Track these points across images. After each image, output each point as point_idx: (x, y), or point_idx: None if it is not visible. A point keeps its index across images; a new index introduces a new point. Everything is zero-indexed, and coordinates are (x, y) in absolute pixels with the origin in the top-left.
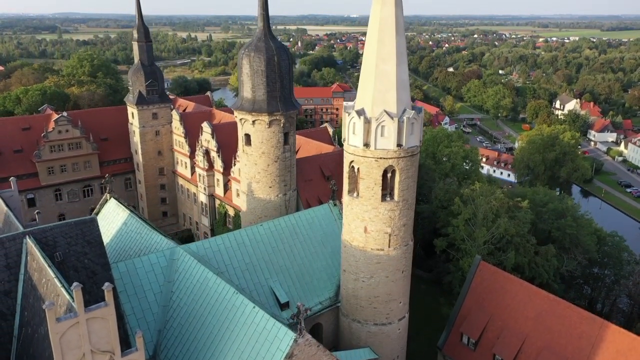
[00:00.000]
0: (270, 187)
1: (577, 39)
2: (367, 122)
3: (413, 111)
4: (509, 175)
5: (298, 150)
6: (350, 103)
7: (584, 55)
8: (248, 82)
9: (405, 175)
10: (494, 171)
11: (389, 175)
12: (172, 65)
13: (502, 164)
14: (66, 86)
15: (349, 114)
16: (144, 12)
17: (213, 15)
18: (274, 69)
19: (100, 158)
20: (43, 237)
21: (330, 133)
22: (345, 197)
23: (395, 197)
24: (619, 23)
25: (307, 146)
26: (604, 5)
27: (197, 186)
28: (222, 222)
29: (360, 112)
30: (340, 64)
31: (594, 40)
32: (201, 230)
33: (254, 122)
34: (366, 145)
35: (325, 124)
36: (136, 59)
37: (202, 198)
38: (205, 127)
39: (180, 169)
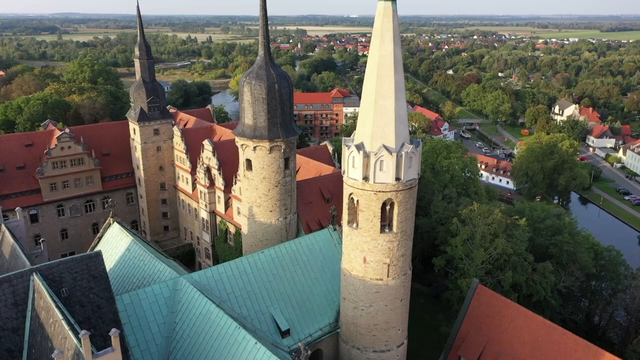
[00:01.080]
0: (271, 211)
1: (576, 40)
2: (366, 156)
3: (411, 145)
4: (507, 182)
5: (298, 170)
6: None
7: (583, 58)
8: (249, 109)
9: (404, 208)
10: (493, 178)
11: (387, 207)
12: (171, 67)
13: (501, 172)
14: (67, 93)
15: (349, 147)
16: (143, 12)
17: (213, 16)
18: (275, 96)
19: (102, 173)
20: (49, 274)
21: (330, 151)
22: (345, 227)
23: (394, 229)
24: (619, 24)
25: (307, 166)
26: (604, 6)
27: (198, 202)
28: (223, 238)
29: (360, 147)
30: (340, 66)
31: (594, 42)
32: (202, 246)
33: (255, 148)
34: (365, 178)
35: (325, 142)
36: (138, 76)
37: (203, 214)
38: (207, 145)
39: (181, 184)
